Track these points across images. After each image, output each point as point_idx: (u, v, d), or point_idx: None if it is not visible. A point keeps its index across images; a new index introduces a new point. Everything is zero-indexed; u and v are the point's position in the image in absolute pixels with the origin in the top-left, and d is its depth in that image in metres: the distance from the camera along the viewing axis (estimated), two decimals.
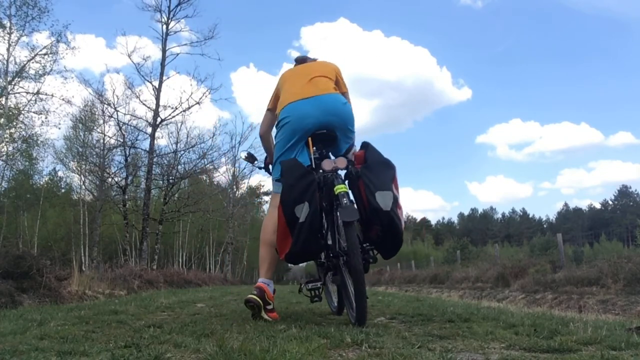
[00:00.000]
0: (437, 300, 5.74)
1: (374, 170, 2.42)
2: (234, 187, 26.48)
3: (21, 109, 14.24)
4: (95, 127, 19.70)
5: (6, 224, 21.70)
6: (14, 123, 14.21)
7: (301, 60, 3.10)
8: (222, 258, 27.72)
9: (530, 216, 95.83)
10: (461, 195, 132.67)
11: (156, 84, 15.69)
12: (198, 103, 16.37)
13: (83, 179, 21.60)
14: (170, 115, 16.20)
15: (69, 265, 12.86)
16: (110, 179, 18.03)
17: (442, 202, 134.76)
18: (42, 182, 24.84)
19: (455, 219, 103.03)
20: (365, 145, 2.61)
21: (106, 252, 25.71)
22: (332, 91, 2.72)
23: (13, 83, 13.69)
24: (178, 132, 18.55)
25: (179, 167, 17.97)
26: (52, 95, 14.25)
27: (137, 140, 17.18)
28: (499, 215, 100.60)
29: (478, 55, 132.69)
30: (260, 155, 3.49)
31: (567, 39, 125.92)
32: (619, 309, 6.84)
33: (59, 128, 23.60)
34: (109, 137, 18.34)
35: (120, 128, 16.80)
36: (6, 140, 14.17)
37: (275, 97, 2.94)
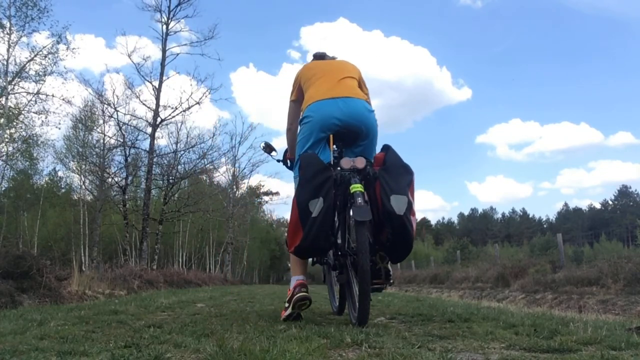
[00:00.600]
0: (437, 300, 5.74)
1: (392, 174, 2.41)
2: (234, 187, 26.48)
3: (21, 109, 14.25)
4: (95, 127, 19.69)
5: (6, 224, 21.70)
6: (14, 123, 14.21)
7: (320, 57, 3.08)
8: (222, 258, 27.71)
9: (530, 216, 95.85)
10: (461, 195, 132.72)
11: (156, 84, 15.68)
12: (198, 103, 16.36)
13: (83, 179, 21.59)
14: (170, 115, 16.20)
15: (69, 265, 12.87)
16: (110, 179, 18.02)
17: (442, 202, 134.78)
18: (42, 182, 24.90)
19: (455, 219, 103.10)
20: (387, 148, 2.60)
21: (106, 252, 25.71)
22: (360, 96, 2.71)
23: (13, 83, 13.69)
24: (178, 132, 18.56)
25: (179, 167, 17.97)
26: (52, 96, 14.26)
27: (137, 140, 17.19)
28: (499, 215, 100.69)
29: (478, 55, 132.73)
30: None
31: (567, 39, 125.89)
32: (619, 309, 6.84)
33: (59, 128, 23.55)
34: (109, 137, 18.34)
35: (120, 128, 16.80)
36: (6, 140, 14.17)
37: (299, 90, 2.92)
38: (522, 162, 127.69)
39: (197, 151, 17.91)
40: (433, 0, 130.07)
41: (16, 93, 14.07)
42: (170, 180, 17.42)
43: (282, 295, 6.14)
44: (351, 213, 2.29)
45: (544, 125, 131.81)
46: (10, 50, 13.40)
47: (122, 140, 16.95)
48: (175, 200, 19.26)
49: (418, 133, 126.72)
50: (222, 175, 25.70)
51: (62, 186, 27.28)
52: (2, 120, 13.28)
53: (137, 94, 16.18)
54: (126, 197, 17.07)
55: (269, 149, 3.29)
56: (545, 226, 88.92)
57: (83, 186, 22.29)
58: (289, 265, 2.96)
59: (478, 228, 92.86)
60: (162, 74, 15.73)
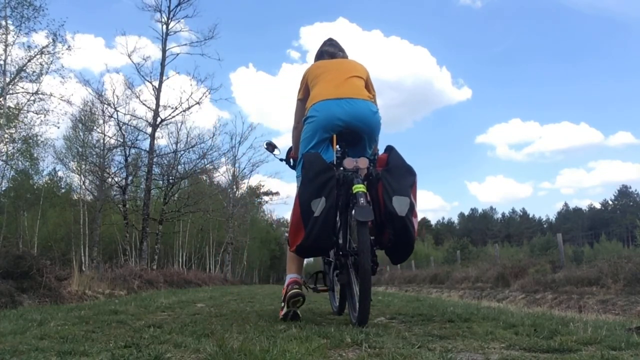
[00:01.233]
0: (437, 300, 5.74)
1: (395, 175, 2.42)
2: (234, 187, 26.47)
3: (20, 109, 14.25)
4: (95, 127, 19.67)
5: (6, 224, 21.68)
6: (14, 123, 14.21)
7: (331, 55, 3.07)
8: (222, 258, 27.71)
9: (530, 216, 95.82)
10: (461, 195, 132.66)
11: (156, 84, 15.69)
12: (198, 103, 16.38)
13: (83, 179, 21.61)
14: (170, 115, 16.21)
15: (69, 265, 12.88)
16: (110, 179, 18.02)
17: (442, 202, 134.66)
18: (42, 182, 24.88)
19: (455, 219, 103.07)
20: (390, 149, 2.62)
21: (106, 252, 25.71)
22: (365, 97, 2.69)
23: (12, 83, 13.69)
24: (178, 132, 18.58)
25: (179, 167, 17.99)
26: (51, 95, 14.27)
27: (137, 140, 17.22)
28: (499, 215, 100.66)
29: (478, 55, 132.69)
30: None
31: (567, 39, 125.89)
32: (619, 309, 6.84)
33: (58, 127, 23.56)
34: (109, 137, 18.36)
35: (120, 128, 16.82)
36: (6, 140, 14.17)
37: (305, 88, 2.91)
38: (522, 162, 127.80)
39: (197, 151, 17.95)
40: (433, 0, 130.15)
41: (16, 93, 14.09)
42: (170, 180, 17.43)
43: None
44: (353, 213, 2.29)
45: (543, 125, 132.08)
46: (8, 49, 13.42)
47: (122, 140, 16.97)
48: (175, 200, 19.27)
49: (418, 133, 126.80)
50: (222, 175, 25.75)
51: (62, 186, 27.29)
52: (1, 120, 13.28)
53: (137, 94, 16.22)
54: (126, 197, 17.08)
55: (271, 147, 3.30)
56: (545, 226, 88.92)
57: (83, 186, 22.33)
58: None
59: (478, 228, 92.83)
60: (162, 74, 15.76)
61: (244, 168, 26.51)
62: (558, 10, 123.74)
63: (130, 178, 17.30)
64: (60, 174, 26.72)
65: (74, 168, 22.19)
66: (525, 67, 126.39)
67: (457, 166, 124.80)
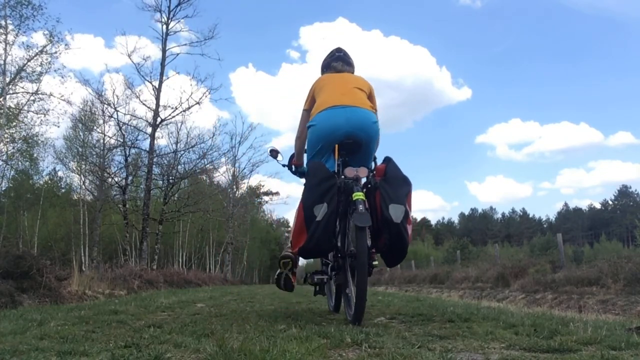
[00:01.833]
0: (437, 300, 5.74)
1: (392, 184, 2.58)
2: (234, 187, 26.47)
3: (20, 108, 14.25)
4: (95, 127, 19.67)
5: (6, 224, 21.69)
6: (14, 123, 14.21)
7: (338, 71, 3.19)
8: (222, 258, 27.71)
9: (530, 216, 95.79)
10: (461, 195, 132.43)
11: (156, 84, 15.67)
12: (198, 103, 16.34)
13: (83, 179, 21.61)
14: (170, 115, 16.18)
15: (69, 265, 12.89)
16: (110, 179, 18.01)
17: (442, 202, 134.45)
18: (42, 182, 24.88)
19: (455, 219, 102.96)
20: (388, 160, 2.79)
21: (106, 252, 25.71)
22: (366, 107, 2.85)
23: (12, 83, 13.70)
24: (178, 132, 18.54)
25: (179, 167, 17.96)
26: (51, 94, 14.27)
27: (137, 140, 17.18)
28: (499, 215, 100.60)
29: (478, 55, 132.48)
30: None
31: (567, 39, 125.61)
32: (619, 309, 6.84)
33: (58, 126, 23.58)
34: (109, 137, 18.34)
35: (120, 128, 16.79)
36: (6, 140, 14.17)
37: (312, 99, 3.04)
38: (522, 162, 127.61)
39: (197, 151, 17.91)
40: (433, 0, 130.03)
41: (16, 93, 14.10)
42: (170, 180, 17.42)
43: (282, 295, 6.14)
44: (352, 219, 2.42)
45: (543, 125, 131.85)
46: (8, 49, 13.43)
47: (122, 140, 16.95)
48: (175, 200, 19.25)
49: (418, 133, 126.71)
50: (222, 175, 25.72)
51: (62, 186, 27.29)
52: (1, 120, 13.28)
53: (137, 94, 16.19)
54: (126, 197, 17.06)
55: (275, 154, 3.42)
56: (545, 226, 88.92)
57: (83, 186, 22.33)
58: None
59: (478, 228, 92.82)
60: (162, 74, 15.73)
61: (244, 168, 26.55)
62: (558, 10, 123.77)
63: (130, 178, 17.28)
64: (60, 174, 26.76)
65: (74, 168, 22.22)
66: (525, 67, 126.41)
67: (457, 166, 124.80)
